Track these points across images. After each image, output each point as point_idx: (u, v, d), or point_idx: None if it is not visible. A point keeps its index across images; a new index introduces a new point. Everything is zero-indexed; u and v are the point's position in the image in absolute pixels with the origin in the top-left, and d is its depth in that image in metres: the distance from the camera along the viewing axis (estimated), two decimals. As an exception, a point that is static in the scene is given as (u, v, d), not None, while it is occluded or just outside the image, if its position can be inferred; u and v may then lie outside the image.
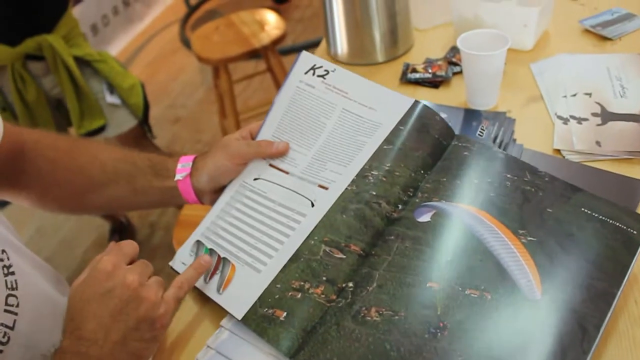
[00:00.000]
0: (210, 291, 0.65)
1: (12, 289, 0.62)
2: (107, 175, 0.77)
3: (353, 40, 1.13)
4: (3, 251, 0.64)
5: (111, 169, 0.77)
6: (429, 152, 0.71)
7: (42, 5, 1.76)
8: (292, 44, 3.16)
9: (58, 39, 1.76)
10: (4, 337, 0.59)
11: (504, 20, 1.04)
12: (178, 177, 0.75)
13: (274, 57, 2.24)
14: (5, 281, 0.62)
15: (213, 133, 2.81)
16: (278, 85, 2.28)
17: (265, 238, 0.66)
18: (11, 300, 0.61)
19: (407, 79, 1.05)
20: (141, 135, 2.02)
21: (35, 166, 0.77)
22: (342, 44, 1.15)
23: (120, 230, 2.36)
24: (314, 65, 0.79)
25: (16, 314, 0.61)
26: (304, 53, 0.80)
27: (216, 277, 0.65)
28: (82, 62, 1.82)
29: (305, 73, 0.78)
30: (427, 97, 1.00)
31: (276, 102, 0.79)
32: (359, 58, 1.14)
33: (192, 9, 4.13)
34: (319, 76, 0.78)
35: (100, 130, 1.90)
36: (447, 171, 0.69)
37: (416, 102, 0.74)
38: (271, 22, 2.29)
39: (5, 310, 0.60)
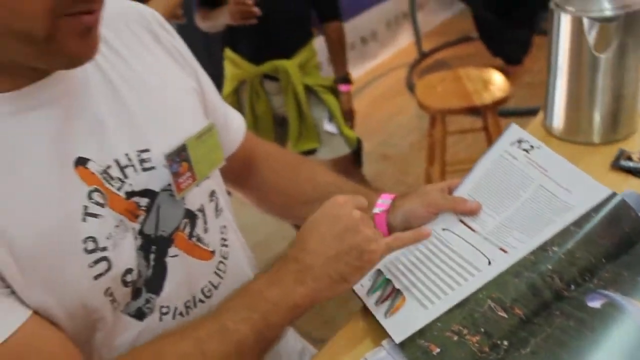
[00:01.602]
0: (379, 313, 0.73)
1: (224, 258, 0.78)
2: (317, 194, 0.91)
3: (571, 116, 1.14)
4: (224, 227, 0.79)
5: (322, 189, 0.91)
6: (616, 243, 0.72)
7: (287, 35, 2.05)
8: (513, 107, 3.16)
9: (294, 66, 2.02)
10: (208, 291, 0.75)
11: None
12: (376, 210, 0.86)
13: (492, 118, 2.28)
14: (221, 250, 0.77)
15: (417, 177, 2.91)
16: (491, 144, 2.30)
17: (439, 281, 0.73)
18: (221, 266, 0.77)
19: (619, 166, 1.04)
20: (351, 163, 2.21)
21: (262, 173, 0.94)
22: (559, 117, 1.16)
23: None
24: (521, 138, 0.84)
25: (222, 277, 0.77)
26: (514, 126, 0.86)
27: (387, 303, 0.74)
28: (310, 90, 2.06)
29: (511, 144, 0.84)
30: (638, 188, 0.98)
31: (478, 164, 0.86)
32: (574, 135, 1.15)
33: (423, 56, 4.32)
34: (523, 149, 0.83)
35: (312, 151, 2.13)
36: (630, 266, 0.70)
37: (614, 194, 0.75)
38: (496, 82, 2.34)
39: (215, 273, 0.76)
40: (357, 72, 4.17)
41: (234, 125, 0.91)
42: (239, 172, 0.92)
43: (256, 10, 1.88)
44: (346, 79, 2.19)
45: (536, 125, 1.19)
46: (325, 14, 2.13)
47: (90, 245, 0.61)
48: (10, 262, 0.56)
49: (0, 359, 0.54)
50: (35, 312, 0.58)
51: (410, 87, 3.81)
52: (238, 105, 2.15)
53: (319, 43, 2.21)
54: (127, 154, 0.67)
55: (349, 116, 2.19)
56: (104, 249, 0.62)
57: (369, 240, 0.68)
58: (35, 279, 0.57)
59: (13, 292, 0.57)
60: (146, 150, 0.68)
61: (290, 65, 2.02)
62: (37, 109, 0.60)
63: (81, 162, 0.62)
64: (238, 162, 0.91)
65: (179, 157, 0.70)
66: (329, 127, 2.09)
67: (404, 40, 4.63)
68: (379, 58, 4.44)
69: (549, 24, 1.10)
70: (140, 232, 0.67)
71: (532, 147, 0.83)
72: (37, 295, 0.58)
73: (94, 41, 0.59)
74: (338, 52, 2.19)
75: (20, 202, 0.58)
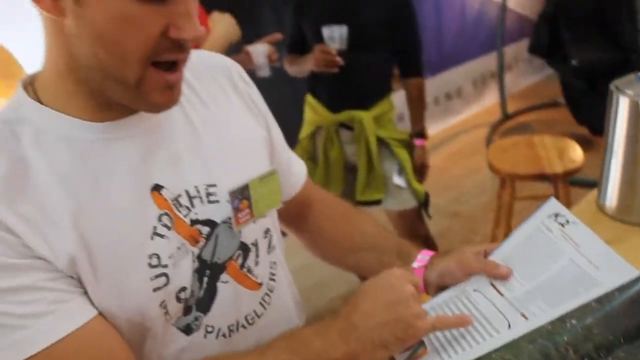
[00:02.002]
0: (400, 359, 0.80)
1: (270, 291, 0.86)
2: (364, 244, 0.99)
3: (624, 196, 1.17)
4: (274, 263, 0.88)
5: (369, 240, 0.99)
6: (636, 325, 0.75)
7: (367, 88, 2.14)
8: (585, 177, 3.09)
9: (369, 118, 2.11)
10: (251, 319, 0.83)
11: None
12: (415, 264, 0.92)
13: (563, 187, 2.27)
14: (269, 283, 0.86)
15: (485, 237, 2.90)
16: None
17: (460, 338, 0.79)
18: (266, 298, 0.85)
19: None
20: (417, 216, 2.25)
21: (315, 218, 1.03)
22: (612, 196, 1.19)
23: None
24: (558, 212, 0.89)
25: (265, 308, 0.85)
26: (552, 200, 0.90)
27: (408, 352, 0.80)
28: (383, 142, 2.14)
29: (548, 217, 0.89)
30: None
31: (516, 232, 0.91)
32: (625, 215, 1.17)
33: (506, 117, 4.31)
34: (559, 223, 0.88)
35: (378, 201, 2.19)
36: (646, 348, 0.72)
37: (640, 276, 0.78)
38: (570, 153, 2.33)
39: (260, 303, 0.84)
40: (438, 126, 4.22)
41: (296, 173, 1.01)
42: (295, 215, 1.02)
43: (339, 60, 2.00)
44: (422, 134, 2.23)
45: (589, 201, 1.21)
46: (408, 71, 2.20)
47: (154, 261, 0.72)
48: (87, 267, 0.68)
49: (66, 348, 0.65)
50: (100, 314, 0.69)
51: (489, 147, 3.82)
52: (312, 149, 2.26)
53: (399, 95, 2.29)
54: (196, 187, 0.78)
55: (421, 171, 2.24)
56: (165, 266, 0.73)
57: (417, 316, 0.74)
58: (104, 284, 0.69)
59: (85, 293, 0.68)
60: (213, 185, 0.79)
61: (365, 116, 2.11)
62: (125, 139, 0.73)
63: (157, 188, 0.74)
64: (295, 206, 1.00)
65: (241, 194, 0.80)
66: (397, 180, 2.15)
67: (489, 99, 4.65)
68: (462, 115, 4.48)
69: (608, 105, 1.14)
70: (198, 257, 0.77)
71: (567, 221, 0.87)
72: (104, 299, 0.69)
73: (174, 95, 0.71)
74: (417, 108, 2.24)
75: (102, 216, 0.69)
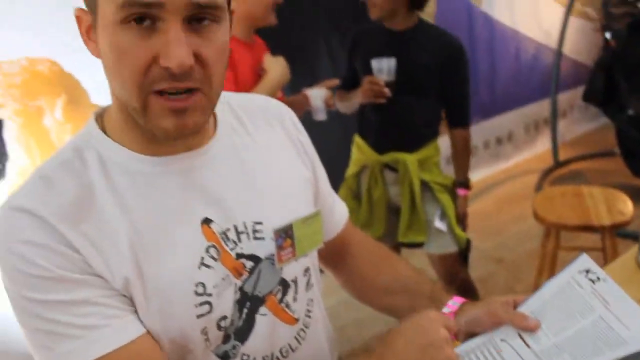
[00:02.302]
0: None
1: (306, 327, 0.91)
2: (398, 286, 1.03)
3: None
4: (311, 300, 0.93)
5: (402, 283, 1.02)
6: (660, 385, 0.76)
7: (413, 131, 2.16)
8: (636, 230, 3.02)
9: (413, 161, 2.14)
10: (285, 352, 0.88)
11: None
12: (446, 310, 0.96)
13: (610, 240, 2.24)
14: (305, 319, 0.91)
15: (528, 286, 2.86)
16: (606, 263, 2.26)
17: (485, 385, 0.82)
18: (301, 333, 0.90)
19: None
20: (457, 261, 2.25)
21: (352, 259, 1.08)
22: (652, 256, 1.19)
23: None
24: (589, 269, 0.91)
25: (300, 343, 0.90)
26: (584, 256, 0.92)
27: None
28: (426, 185, 2.16)
29: (579, 272, 0.91)
30: None
31: (546, 285, 0.93)
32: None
33: (557, 164, 4.26)
34: (590, 279, 0.90)
35: (420, 244, 2.21)
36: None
37: (669, 339, 0.80)
38: (620, 205, 2.30)
39: (295, 338, 0.89)
40: (487, 171, 4.20)
41: (338, 214, 1.07)
42: (333, 255, 1.07)
43: (386, 91, 2.04)
44: (465, 184, 2.24)
45: (629, 257, 1.22)
46: (454, 121, 2.21)
47: (200, 289, 0.78)
48: (139, 289, 0.74)
49: (117, 359, 0.72)
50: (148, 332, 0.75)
51: (539, 194, 3.78)
52: (357, 188, 2.30)
53: (444, 139, 2.30)
54: (244, 222, 0.84)
55: (462, 219, 2.24)
56: (210, 294, 0.79)
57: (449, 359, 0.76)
58: (153, 306, 0.75)
59: (135, 312, 0.75)
60: (260, 223, 0.85)
61: (410, 159, 2.14)
62: (179, 173, 0.80)
63: (207, 221, 0.80)
64: (334, 246, 1.05)
65: (285, 234, 0.86)
66: (439, 224, 2.17)
67: (541, 146, 4.61)
68: (512, 160, 4.45)
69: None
70: (240, 289, 0.83)
71: (598, 278, 0.89)
72: (151, 319, 0.75)
73: (184, 121, 0.72)
74: (461, 158, 2.24)
75: (155, 244, 0.76)
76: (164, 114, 0.71)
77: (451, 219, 2.15)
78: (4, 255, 0.71)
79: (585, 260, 0.92)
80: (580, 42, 4.70)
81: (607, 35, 3.65)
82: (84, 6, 0.75)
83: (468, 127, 2.23)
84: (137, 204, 0.77)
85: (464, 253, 2.20)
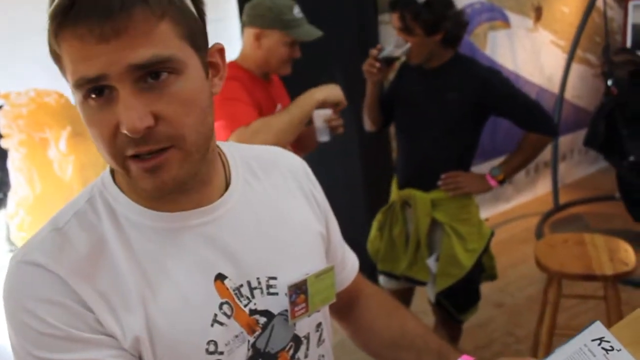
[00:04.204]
0: None
1: None
2: (405, 342, 1.02)
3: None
4: (322, 356, 0.92)
5: (410, 339, 1.02)
6: None
7: (432, 171, 2.16)
8: (638, 277, 3.01)
9: (426, 200, 2.14)
10: None
11: None
12: (452, 369, 0.95)
13: (612, 289, 2.23)
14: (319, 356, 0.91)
15: (528, 332, 2.84)
16: (610, 314, 2.25)
17: None
18: None
19: None
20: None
21: (361, 311, 1.08)
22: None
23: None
24: (603, 337, 0.90)
25: None
26: (598, 324, 0.92)
27: None
28: (441, 226, 2.15)
29: (592, 340, 0.90)
30: None
31: (557, 351, 0.92)
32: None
33: (558, 208, 4.27)
34: (603, 348, 0.89)
35: (423, 282, 2.21)
36: None
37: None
38: (622, 254, 2.29)
39: None
40: (487, 212, 4.20)
41: (348, 267, 1.06)
42: (342, 306, 1.06)
43: (376, 64, 2.09)
44: (499, 176, 2.19)
45: (636, 318, 1.20)
46: (525, 127, 2.19)
47: (211, 348, 0.77)
48: (149, 348, 0.74)
49: None
50: None
51: (539, 237, 3.78)
52: (384, 222, 2.31)
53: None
54: (258, 278, 0.83)
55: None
56: (221, 353, 0.78)
57: None
58: None
59: None
60: (274, 278, 0.85)
61: (421, 197, 2.14)
62: (192, 229, 0.80)
63: (220, 277, 0.80)
64: (344, 297, 1.05)
65: (299, 289, 0.85)
66: (431, 264, 2.16)
67: (542, 189, 4.62)
68: (512, 202, 4.46)
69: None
70: (253, 345, 0.82)
71: (612, 348, 0.88)
72: None
73: (162, 179, 0.71)
74: (519, 154, 2.20)
75: (168, 301, 0.76)
76: (140, 176, 0.71)
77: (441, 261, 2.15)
78: (14, 310, 0.71)
79: (599, 328, 0.91)
80: (581, 88, 4.76)
81: (609, 82, 3.68)
82: None
83: (545, 133, 2.14)
84: (149, 259, 0.76)
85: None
